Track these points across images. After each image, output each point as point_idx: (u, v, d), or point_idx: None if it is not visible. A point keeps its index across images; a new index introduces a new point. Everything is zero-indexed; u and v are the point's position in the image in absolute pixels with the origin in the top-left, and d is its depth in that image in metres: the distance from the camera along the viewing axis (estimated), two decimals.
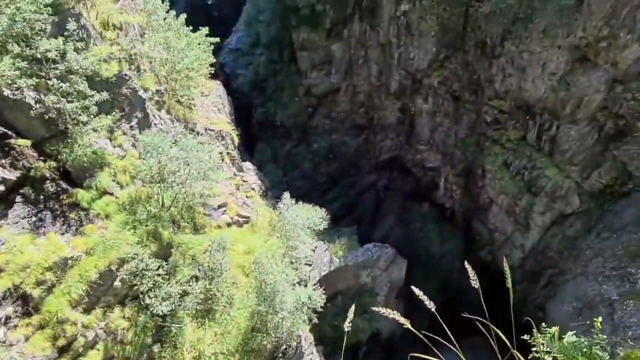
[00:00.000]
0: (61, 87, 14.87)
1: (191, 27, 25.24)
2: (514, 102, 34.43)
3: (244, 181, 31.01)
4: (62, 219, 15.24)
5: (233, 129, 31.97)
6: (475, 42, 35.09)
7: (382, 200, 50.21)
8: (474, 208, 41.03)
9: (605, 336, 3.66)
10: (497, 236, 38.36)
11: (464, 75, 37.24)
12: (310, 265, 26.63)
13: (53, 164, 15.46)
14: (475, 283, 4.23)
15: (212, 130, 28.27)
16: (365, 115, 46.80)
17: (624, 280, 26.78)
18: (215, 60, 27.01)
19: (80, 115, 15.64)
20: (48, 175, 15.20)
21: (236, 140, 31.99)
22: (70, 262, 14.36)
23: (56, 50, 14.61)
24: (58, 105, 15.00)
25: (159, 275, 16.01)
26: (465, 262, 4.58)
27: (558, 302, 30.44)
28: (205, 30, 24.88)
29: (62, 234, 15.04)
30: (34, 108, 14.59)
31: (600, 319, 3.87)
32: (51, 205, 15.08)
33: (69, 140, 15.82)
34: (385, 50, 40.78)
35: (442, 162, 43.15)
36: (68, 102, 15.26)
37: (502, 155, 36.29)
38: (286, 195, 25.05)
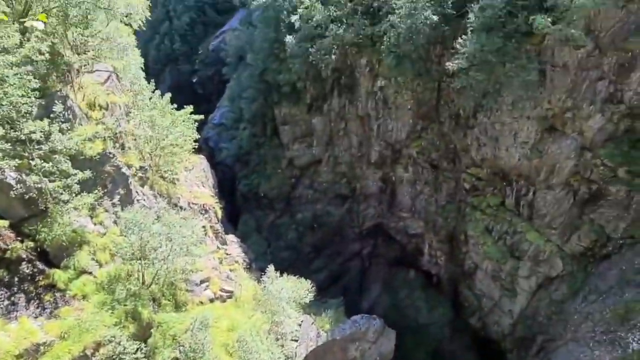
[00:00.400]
0: (44, 167, 14.98)
1: (176, 105, 26.08)
2: (490, 169, 35.52)
3: (227, 254, 30.60)
4: (37, 301, 14.72)
5: (216, 202, 32.05)
6: (450, 114, 36.78)
7: (367, 269, 49.67)
8: (460, 274, 40.79)
9: None
10: (485, 302, 37.86)
11: (441, 145, 38.60)
12: (296, 340, 25.68)
13: (30, 244, 15.18)
14: None
15: (196, 204, 28.29)
16: (347, 185, 47.52)
17: (615, 345, 26.36)
18: (199, 136, 27.67)
19: (61, 194, 15.64)
20: (24, 256, 14.86)
21: (219, 213, 31.96)
22: (42, 348, 13.68)
23: (41, 132, 14.88)
24: (39, 185, 15.02)
25: (137, 358, 15.27)
26: None
27: None
28: (189, 108, 25.71)
29: (36, 317, 14.45)
30: (14, 189, 14.57)
31: None
32: (25, 288, 14.61)
33: (49, 220, 15.67)
34: (365, 123, 42.34)
35: (424, 229, 43.41)
36: (50, 181, 15.31)
37: (483, 220, 36.78)
38: (271, 268, 24.73)
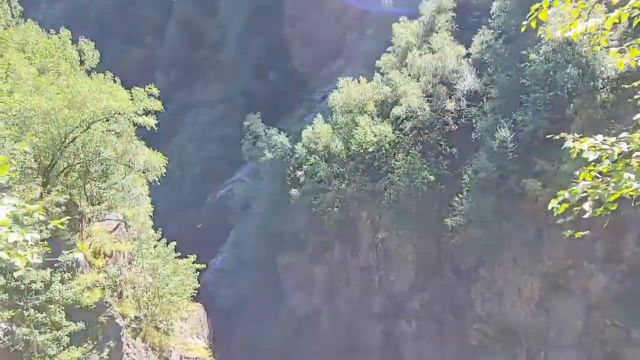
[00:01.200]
0: (37, 318, 14.64)
1: (179, 253, 26.30)
2: (497, 325, 34.13)
3: None
4: None
5: (210, 356, 30.25)
6: (452, 268, 36.75)
7: None
8: None
9: None
10: None
11: (444, 298, 37.77)
12: None
13: None
14: None
15: (188, 357, 26.72)
16: (349, 338, 45.21)
17: None
18: (199, 285, 27.35)
19: (49, 347, 14.98)
20: None
21: None
22: None
23: (41, 282, 14.89)
24: (28, 337, 14.49)
25: None
26: None
27: None
28: (192, 257, 25.90)
29: None
30: (1, 341, 14.04)
31: None
32: None
33: None
34: (366, 274, 42.09)
35: None
36: (40, 333, 14.80)
37: None
38: None
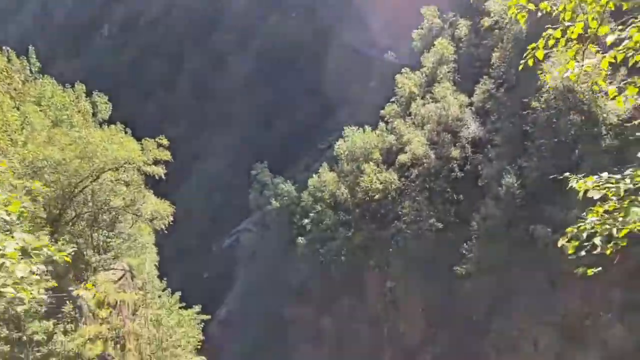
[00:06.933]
0: None
1: (184, 304, 25.89)
2: None
3: None
4: None
5: None
6: (464, 318, 35.63)
7: None
8: None
9: None
10: None
11: (457, 351, 36.37)
12: None
13: None
14: None
15: None
16: None
17: None
18: (203, 337, 26.67)
19: None
20: None
21: None
22: None
23: (44, 333, 14.59)
24: None
25: None
26: None
27: None
28: (197, 308, 25.47)
29: None
30: None
31: None
32: None
33: None
34: (375, 325, 40.90)
35: None
36: None
37: None
38: None
